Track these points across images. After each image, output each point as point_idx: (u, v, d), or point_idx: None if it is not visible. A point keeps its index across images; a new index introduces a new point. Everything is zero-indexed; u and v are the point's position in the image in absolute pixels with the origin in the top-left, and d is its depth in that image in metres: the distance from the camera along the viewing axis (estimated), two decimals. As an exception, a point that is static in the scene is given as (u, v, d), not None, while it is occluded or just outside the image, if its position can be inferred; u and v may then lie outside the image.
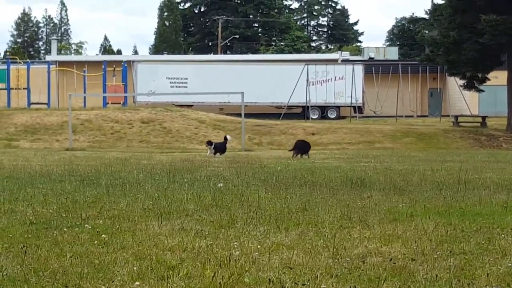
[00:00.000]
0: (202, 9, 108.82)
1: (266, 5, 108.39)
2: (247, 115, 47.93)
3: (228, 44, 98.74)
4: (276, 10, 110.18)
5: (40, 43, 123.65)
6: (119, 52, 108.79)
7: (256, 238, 10.70)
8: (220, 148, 32.69)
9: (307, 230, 11.47)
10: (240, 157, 31.82)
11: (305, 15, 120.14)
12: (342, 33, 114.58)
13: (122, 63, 66.72)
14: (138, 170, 23.19)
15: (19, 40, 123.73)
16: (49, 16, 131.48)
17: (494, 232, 11.27)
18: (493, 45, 50.28)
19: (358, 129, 51.38)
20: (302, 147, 32.82)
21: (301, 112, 63.26)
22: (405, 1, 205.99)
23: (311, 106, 63.33)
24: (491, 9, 48.92)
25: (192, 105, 59.94)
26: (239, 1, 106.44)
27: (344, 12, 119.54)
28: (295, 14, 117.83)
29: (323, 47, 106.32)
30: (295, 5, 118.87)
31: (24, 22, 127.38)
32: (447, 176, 21.52)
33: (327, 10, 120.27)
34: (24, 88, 61.65)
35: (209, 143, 33.16)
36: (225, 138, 33.98)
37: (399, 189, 17.79)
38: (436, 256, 9.49)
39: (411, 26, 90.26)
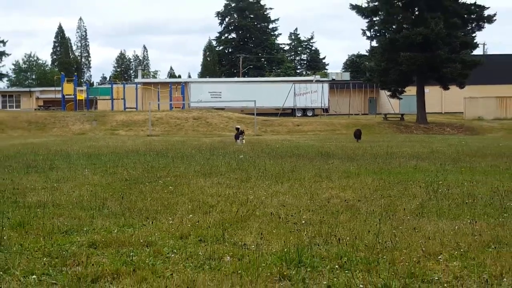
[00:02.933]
0: (230, 50, 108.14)
1: (269, 48, 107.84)
2: (258, 114, 47.88)
3: (246, 71, 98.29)
4: (275, 51, 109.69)
5: (131, 71, 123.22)
6: (179, 76, 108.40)
7: (263, 188, 10.71)
8: (240, 136, 27.78)
9: (294, 183, 11.48)
10: (253, 140, 31.74)
11: (292, 53, 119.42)
12: (315, 64, 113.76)
13: (181, 83, 66.93)
14: (191, 148, 23.18)
15: (118, 69, 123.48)
16: (136, 55, 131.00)
17: (408, 184, 11.25)
18: (408, 71, 50.16)
19: (325, 122, 51.23)
20: (357, 133, 30.24)
21: (291, 112, 63.06)
22: (354, 44, 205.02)
23: (297, 108, 63.27)
24: (407, 49, 48.71)
25: (224, 108, 59.63)
26: (253, 45, 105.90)
27: (316, 51, 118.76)
28: (286, 53, 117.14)
29: (304, 73, 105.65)
30: (287, 47, 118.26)
31: (121, 59, 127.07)
32: (379, 150, 21.45)
33: (306, 50, 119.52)
34: (121, 99, 61.66)
35: (239, 133, 27.73)
36: (238, 129, 29.06)
37: (350, 158, 17.75)
38: (373, 198, 9.50)
39: (358, 59, 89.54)
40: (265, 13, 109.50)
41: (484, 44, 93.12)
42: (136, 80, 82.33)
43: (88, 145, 25.51)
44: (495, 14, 51.58)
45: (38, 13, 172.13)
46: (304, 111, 64.62)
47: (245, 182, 11.63)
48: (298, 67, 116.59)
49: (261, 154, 19.66)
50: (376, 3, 52.81)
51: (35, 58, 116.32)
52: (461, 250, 5.99)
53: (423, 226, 7.19)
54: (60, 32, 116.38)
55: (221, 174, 13.16)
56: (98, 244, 6.29)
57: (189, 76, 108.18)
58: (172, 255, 5.84)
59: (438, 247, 6.09)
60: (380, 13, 53.31)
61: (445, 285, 4.89)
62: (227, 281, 4.94)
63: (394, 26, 52.81)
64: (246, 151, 21.31)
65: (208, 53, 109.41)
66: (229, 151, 20.97)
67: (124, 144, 26.61)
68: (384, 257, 5.69)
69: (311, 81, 70.57)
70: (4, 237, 6.44)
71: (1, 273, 5.21)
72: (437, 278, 5.07)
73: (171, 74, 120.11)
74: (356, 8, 53.19)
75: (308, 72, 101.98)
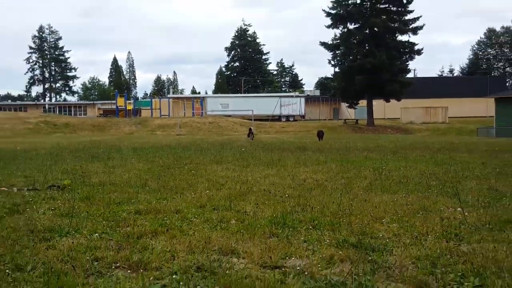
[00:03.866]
0: (235, 74, 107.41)
1: (263, 72, 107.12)
2: (254, 119, 47.84)
3: (246, 89, 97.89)
4: (267, 75, 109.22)
5: (165, 89, 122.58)
6: (199, 93, 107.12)
7: (258, 172, 10.70)
8: (251, 135, 27.96)
9: (281, 168, 11.47)
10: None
11: (279, 76, 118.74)
12: (295, 84, 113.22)
13: (200, 98, 67.01)
14: (208, 144, 23.16)
15: (155, 88, 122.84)
16: (169, 78, 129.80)
17: (361, 168, 11.25)
18: (360, 90, 50.31)
19: (303, 125, 51.25)
20: (320, 134, 27.98)
21: (278, 118, 62.95)
22: (322, 70, 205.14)
23: (282, 115, 63.11)
24: (360, 74, 48.81)
25: (231, 115, 59.45)
26: (251, 71, 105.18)
27: (296, 75, 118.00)
28: (275, 76, 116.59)
29: (287, 90, 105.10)
30: (275, 72, 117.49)
31: (158, 80, 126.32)
32: (340, 145, 21.45)
33: (289, 74, 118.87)
34: (158, 109, 61.72)
35: (250, 133, 27.58)
36: (250, 130, 29.01)
37: (320, 150, 17.74)
38: (336, 179, 9.49)
39: (325, 81, 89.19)
40: (259, 48, 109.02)
41: (414, 70, 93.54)
42: (168, 96, 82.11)
43: (134, 142, 25.49)
44: (422, 49, 52.29)
45: (99, 48, 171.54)
46: (287, 117, 64.38)
47: (245, 168, 11.61)
48: (283, 86, 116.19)
49: (257, 148, 19.65)
50: (338, 41, 52.93)
51: (97, 80, 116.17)
52: (398, 215, 6.00)
53: (372, 198, 7.20)
54: (115, 62, 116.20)
55: (228, 162, 13.14)
56: (142, 211, 6.29)
57: (206, 93, 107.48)
58: (194, 219, 5.84)
59: (382, 213, 6.10)
60: (341, 48, 53.45)
61: (387, 240, 4.91)
62: (233, 238, 4.95)
63: (351, 57, 52.91)
64: (246, 145, 21.31)
65: (219, 76, 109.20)
66: (234, 146, 20.97)
67: (160, 141, 26.60)
68: (344, 220, 5.69)
69: (292, 96, 70.32)
70: (76, 207, 6.45)
71: (73, 232, 5.22)
72: (381, 235, 5.09)
73: (193, 91, 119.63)
74: (324, 44, 53.28)
75: (290, 90, 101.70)
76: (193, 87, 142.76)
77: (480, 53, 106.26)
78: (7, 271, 3.92)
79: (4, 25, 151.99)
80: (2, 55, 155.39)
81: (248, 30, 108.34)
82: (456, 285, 3.69)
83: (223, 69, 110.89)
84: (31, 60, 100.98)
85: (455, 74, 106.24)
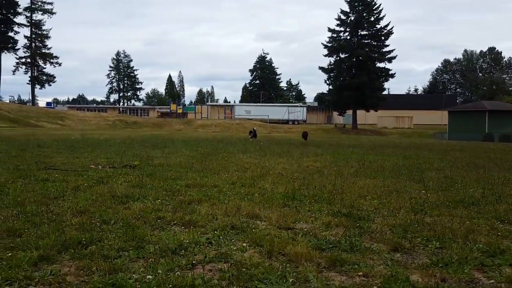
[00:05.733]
0: (256, 89, 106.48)
1: (276, 88, 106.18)
2: (270, 122, 47.65)
3: (263, 100, 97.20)
4: (279, 90, 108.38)
5: (205, 99, 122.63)
6: (229, 102, 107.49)
7: (273, 160, 10.60)
8: (253, 134, 23.49)
9: (289, 158, 11.35)
10: (267, 137, 31.64)
11: (288, 92, 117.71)
12: (299, 97, 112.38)
13: (230, 106, 66.96)
14: (235, 139, 23.14)
15: (198, 97, 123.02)
16: (207, 90, 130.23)
17: (348, 160, 11.03)
18: (348, 102, 49.74)
19: (304, 127, 50.69)
20: (304, 135, 26.89)
21: (287, 122, 62.58)
22: (320, 87, 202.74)
23: (289, 120, 62.82)
24: (348, 90, 48.26)
25: (252, 119, 59.45)
26: (268, 87, 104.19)
27: (300, 91, 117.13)
28: (285, 91, 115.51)
29: (294, 102, 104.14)
30: (285, 88, 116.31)
31: (200, 92, 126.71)
32: (332, 142, 21.19)
33: (295, 90, 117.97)
34: (200, 113, 61.80)
35: (250, 132, 24.55)
36: (254, 130, 24.35)
37: (317, 146, 17.53)
38: (330, 166, 9.33)
39: (322, 95, 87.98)
40: (274, 70, 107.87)
41: (388, 88, 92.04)
42: (207, 103, 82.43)
43: (183, 136, 25.60)
44: (395, 73, 51.58)
45: (158, 68, 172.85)
46: (293, 121, 64.10)
47: (263, 157, 11.51)
48: (291, 99, 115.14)
49: (271, 143, 19.57)
50: (332, 66, 52.35)
51: (157, 91, 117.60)
52: (378, 194, 5.90)
53: (357, 182, 7.09)
54: (169, 78, 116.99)
55: (251, 152, 13.06)
56: (190, 185, 6.27)
57: (234, 102, 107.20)
58: (228, 192, 5.82)
59: (366, 192, 6.01)
60: (334, 71, 52.75)
61: (370, 212, 4.83)
62: (256, 206, 4.92)
63: (341, 78, 52.14)
64: (263, 141, 21.23)
65: (244, 90, 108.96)
66: (255, 141, 20.91)
67: (201, 136, 26.67)
68: (337, 197, 5.62)
69: (297, 106, 69.91)
70: (143, 180, 6.50)
71: (142, 198, 5.25)
72: (365, 208, 5.01)
73: (225, 101, 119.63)
74: (322, 68, 52.73)
75: (296, 101, 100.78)
76: (225, 97, 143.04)
77: (438, 77, 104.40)
78: (97, 223, 3.99)
79: (93, 51, 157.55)
80: (91, 72, 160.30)
81: (266, 57, 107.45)
82: (422, 246, 3.63)
83: (247, 85, 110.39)
84: (110, 76, 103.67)
85: (418, 92, 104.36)
